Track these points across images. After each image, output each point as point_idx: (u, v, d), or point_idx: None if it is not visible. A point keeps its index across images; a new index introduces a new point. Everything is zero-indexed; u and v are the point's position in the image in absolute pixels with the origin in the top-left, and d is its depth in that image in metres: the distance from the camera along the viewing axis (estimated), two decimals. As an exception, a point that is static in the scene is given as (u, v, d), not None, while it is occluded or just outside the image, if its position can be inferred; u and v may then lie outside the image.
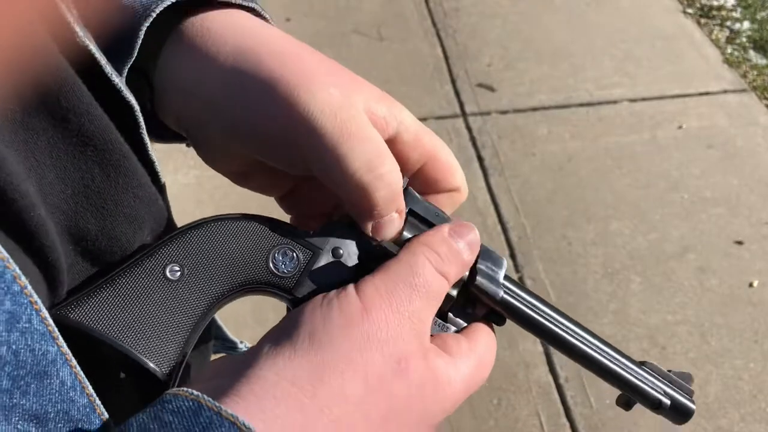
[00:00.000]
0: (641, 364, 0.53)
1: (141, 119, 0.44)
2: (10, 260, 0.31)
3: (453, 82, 2.93)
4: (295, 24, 3.24)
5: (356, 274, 0.47)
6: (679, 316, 2.14)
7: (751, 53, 3.20)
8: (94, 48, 0.40)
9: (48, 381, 0.33)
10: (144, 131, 0.45)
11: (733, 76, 3.01)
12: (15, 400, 0.32)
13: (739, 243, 2.34)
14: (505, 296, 0.49)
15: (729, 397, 1.96)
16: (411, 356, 0.41)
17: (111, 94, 0.42)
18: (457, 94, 2.88)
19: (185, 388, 0.36)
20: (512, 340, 2.01)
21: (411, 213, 0.49)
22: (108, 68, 0.41)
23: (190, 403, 0.35)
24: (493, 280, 0.49)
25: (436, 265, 0.44)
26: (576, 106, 2.84)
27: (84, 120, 0.39)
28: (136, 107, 0.43)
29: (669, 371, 0.54)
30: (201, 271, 0.43)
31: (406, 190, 0.48)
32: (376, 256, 0.46)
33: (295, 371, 0.38)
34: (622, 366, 0.51)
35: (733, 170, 2.59)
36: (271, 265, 0.45)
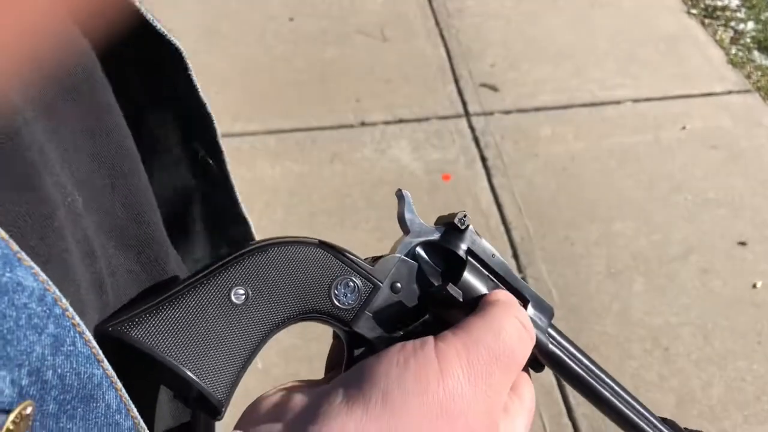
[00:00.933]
0: (663, 421, 0.54)
1: (189, 64, 0.44)
2: (50, 282, 0.31)
3: (456, 82, 2.93)
4: (299, 24, 3.24)
5: (415, 314, 0.46)
6: (682, 318, 2.13)
7: (756, 54, 3.19)
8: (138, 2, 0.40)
9: (94, 404, 0.33)
10: (192, 73, 0.45)
11: (738, 77, 3.00)
12: (62, 425, 0.31)
13: (743, 244, 2.33)
14: (551, 347, 0.49)
15: (732, 398, 1.95)
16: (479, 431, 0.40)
17: (154, 45, 0.42)
18: (460, 94, 2.87)
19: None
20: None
21: (469, 253, 0.48)
22: (149, 15, 0.41)
23: None
24: (542, 330, 0.49)
25: (521, 333, 0.43)
26: (579, 106, 2.83)
27: (111, 101, 0.39)
28: (183, 51, 0.43)
29: (685, 429, 0.55)
30: (266, 297, 0.42)
31: (466, 229, 0.48)
32: (436, 300, 0.46)
33: None
34: (646, 422, 0.52)
35: (736, 171, 2.58)
36: (332, 295, 0.44)
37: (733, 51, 3.17)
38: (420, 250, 0.48)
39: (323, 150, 2.63)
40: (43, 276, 0.30)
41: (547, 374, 1.98)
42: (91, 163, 0.39)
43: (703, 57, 3.10)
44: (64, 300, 0.31)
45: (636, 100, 2.87)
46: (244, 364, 0.41)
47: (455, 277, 0.46)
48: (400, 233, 0.49)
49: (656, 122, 2.77)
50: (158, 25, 0.42)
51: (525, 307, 0.49)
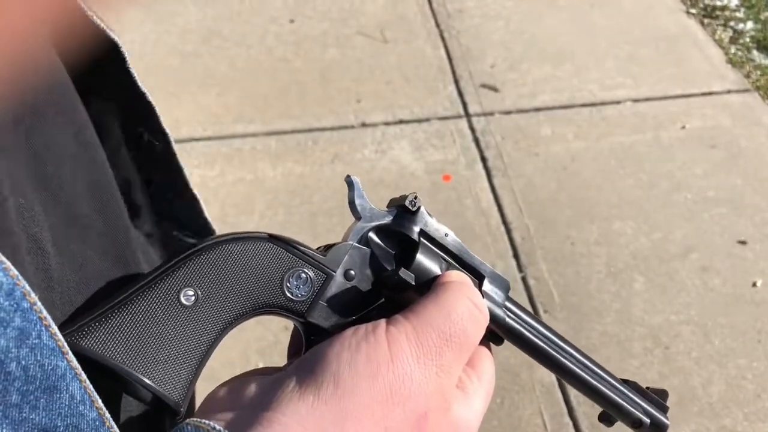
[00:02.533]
0: (624, 383, 0.55)
1: (127, 57, 0.45)
2: (20, 277, 0.32)
3: (456, 82, 2.94)
4: (300, 25, 3.25)
5: (370, 299, 0.46)
6: (682, 316, 2.14)
7: (755, 53, 3.20)
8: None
9: (58, 395, 0.33)
10: (130, 66, 0.45)
11: (737, 76, 3.01)
12: (24, 414, 0.32)
13: (743, 243, 2.34)
14: (508, 320, 0.50)
15: (732, 396, 1.96)
16: (431, 411, 0.40)
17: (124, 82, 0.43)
18: (460, 94, 2.88)
19: (207, 422, 0.36)
20: (516, 340, 2.01)
21: (422, 234, 0.48)
22: (90, 12, 0.42)
23: None
24: (499, 304, 0.50)
25: (472, 313, 0.43)
26: (579, 106, 2.84)
27: (80, 108, 0.40)
28: (122, 46, 0.44)
29: (648, 388, 0.57)
30: (216, 296, 0.42)
31: (417, 210, 0.48)
32: (389, 285, 0.46)
33: (317, 421, 0.37)
34: (608, 386, 0.53)
35: (736, 170, 2.59)
36: (285, 288, 0.44)
37: (733, 50, 3.18)
38: (373, 235, 0.48)
39: (324, 151, 2.64)
40: (14, 271, 0.31)
41: (548, 374, 1.98)
42: (68, 163, 0.40)
43: (703, 56, 3.11)
44: (33, 294, 0.32)
45: (636, 100, 2.87)
46: (200, 363, 0.41)
47: (408, 259, 0.46)
48: None
49: (656, 122, 2.78)
50: (99, 23, 0.43)
51: (481, 283, 0.49)
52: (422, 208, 0.48)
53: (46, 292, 0.38)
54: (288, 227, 2.32)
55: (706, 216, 2.43)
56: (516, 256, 2.28)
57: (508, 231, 2.35)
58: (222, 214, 2.37)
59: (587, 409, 1.92)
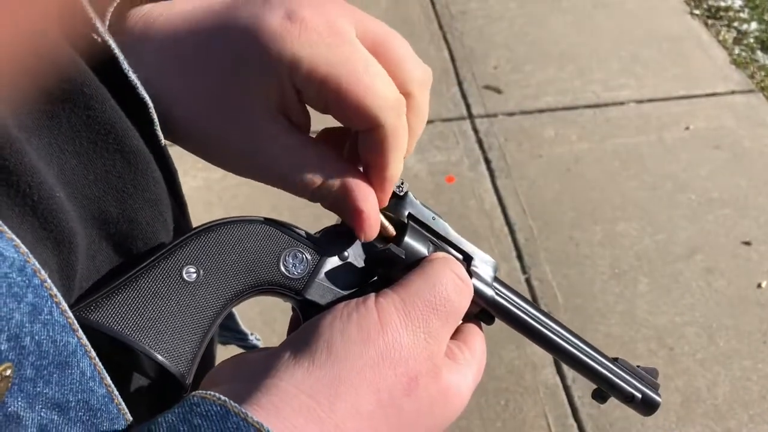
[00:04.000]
0: (614, 360, 0.57)
1: (155, 116, 0.45)
2: (30, 255, 0.32)
3: (460, 84, 2.94)
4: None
5: (363, 277, 0.48)
6: (687, 317, 2.14)
7: (759, 54, 3.19)
8: (113, 44, 0.42)
9: (69, 371, 0.34)
10: (158, 128, 0.45)
11: (741, 77, 3.00)
12: (38, 389, 0.33)
13: (747, 244, 2.34)
14: (497, 297, 0.52)
15: (737, 398, 1.95)
16: (421, 375, 0.42)
17: (124, 91, 0.43)
18: (464, 96, 2.88)
19: (212, 392, 0.37)
20: (519, 342, 2.01)
21: (410, 217, 0.51)
22: (125, 65, 0.42)
23: (218, 408, 0.36)
24: (488, 283, 0.52)
25: (456, 283, 0.46)
26: (583, 107, 2.84)
27: (106, 107, 0.40)
28: (150, 104, 0.44)
29: (638, 366, 0.58)
30: (216, 273, 0.44)
31: (405, 195, 0.50)
32: (381, 259, 0.48)
33: (312, 384, 0.39)
34: (599, 362, 0.55)
35: (740, 171, 2.59)
36: (282, 267, 0.46)
37: (737, 51, 3.18)
38: None
39: (328, 153, 2.64)
40: (23, 248, 0.32)
41: (552, 375, 1.99)
42: (82, 162, 0.40)
43: (707, 57, 3.10)
44: (43, 272, 0.33)
45: (639, 101, 2.87)
46: (203, 337, 0.43)
47: (398, 240, 0.49)
48: None
49: (660, 123, 2.77)
50: (133, 77, 0.43)
51: (469, 263, 0.51)
52: (410, 193, 0.51)
53: (67, 281, 0.39)
54: (292, 229, 2.33)
55: (710, 217, 2.42)
56: (520, 257, 2.28)
57: (512, 232, 2.35)
58: (226, 216, 2.37)
59: (592, 411, 1.92)
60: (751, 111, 2.84)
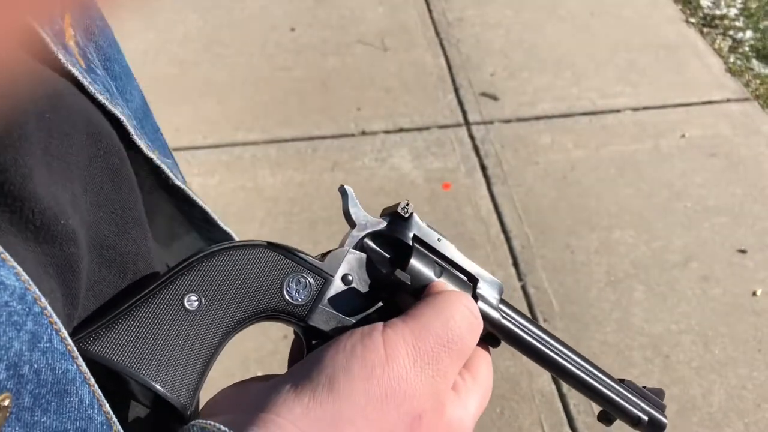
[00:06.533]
0: (621, 382, 0.55)
1: (130, 127, 0.45)
2: (31, 282, 0.32)
3: (456, 91, 2.95)
4: (300, 34, 3.26)
5: (368, 302, 0.47)
6: (682, 325, 2.13)
7: (754, 62, 3.20)
8: (77, 72, 0.41)
9: (67, 399, 0.34)
10: (135, 137, 0.45)
11: (736, 85, 3.01)
12: (36, 418, 0.32)
13: (743, 252, 2.34)
14: (503, 320, 0.51)
15: (733, 406, 1.95)
16: (425, 413, 0.41)
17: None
18: (460, 103, 2.89)
19: (211, 422, 0.36)
20: (515, 350, 2.01)
21: (416, 239, 0.49)
22: (92, 88, 0.42)
23: None
24: (494, 306, 0.51)
25: (469, 320, 0.44)
26: (579, 115, 2.84)
27: (93, 119, 0.40)
28: (123, 118, 0.44)
29: (644, 387, 0.57)
30: (219, 301, 0.43)
31: (410, 216, 0.49)
32: (386, 285, 0.47)
33: (311, 422, 0.38)
34: (606, 384, 0.54)
35: (736, 179, 2.59)
36: (285, 293, 0.45)
37: (732, 59, 3.19)
38: (368, 241, 0.49)
39: (324, 159, 2.64)
40: (24, 276, 0.32)
41: (548, 383, 1.98)
42: (82, 185, 0.40)
43: (702, 66, 3.11)
44: (43, 299, 0.32)
45: (635, 109, 2.88)
46: (205, 367, 0.42)
47: (403, 263, 0.47)
48: None
49: (656, 130, 2.78)
50: (100, 98, 0.43)
51: (475, 285, 0.50)
52: (414, 215, 0.49)
53: (71, 308, 0.39)
54: (288, 235, 2.32)
55: (706, 225, 2.43)
56: (516, 264, 2.28)
57: (508, 239, 2.35)
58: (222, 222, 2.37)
59: (587, 419, 1.92)
60: (747, 119, 2.85)
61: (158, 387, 0.40)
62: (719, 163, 2.65)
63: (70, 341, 0.34)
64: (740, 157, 2.68)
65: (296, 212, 2.43)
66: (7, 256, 0.31)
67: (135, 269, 0.44)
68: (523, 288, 2.21)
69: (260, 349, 2.00)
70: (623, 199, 2.50)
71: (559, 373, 0.53)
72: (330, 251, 0.48)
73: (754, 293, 2.22)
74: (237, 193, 2.49)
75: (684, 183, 2.57)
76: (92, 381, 0.35)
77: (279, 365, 1.93)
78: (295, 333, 0.49)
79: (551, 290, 2.21)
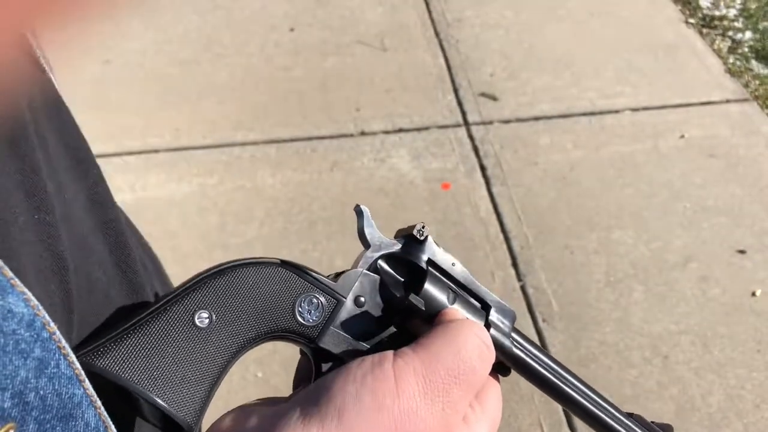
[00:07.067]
0: (629, 416, 0.55)
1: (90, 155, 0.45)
2: (40, 307, 0.32)
3: (456, 91, 2.95)
4: (299, 34, 3.26)
5: (380, 327, 0.46)
6: (681, 326, 2.14)
7: (754, 63, 3.20)
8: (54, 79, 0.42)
9: (73, 423, 0.34)
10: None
11: (736, 86, 3.01)
12: None
13: (742, 252, 2.34)
14: (515, 350, 0.50)
15: (732, 406, 1.95)
16: None
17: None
18: (459, 103, 2.89)
19: None
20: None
21: (430, 263, 0.48)
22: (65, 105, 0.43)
23: None
24: (506, 334, 0.50)
25: (481, 350, 0.43)
26: (578, 115, 2.85)
27: (74, 132, 0.41)
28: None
29: (653, 422, 0.56)
30: (229, 319, 0.42)
31: (425, 240, 0.48)
32: (399, 309, 0.46)
33: None
34: (615, 418, 0.53)
35: (735, 180, 2.59)
36: (297, 313, 0.44)
37: (731, 60, 3.19)
38: (382, 263, 0.48)
39: (323, 159, 2.64)
40: (34, 301, 0.31)
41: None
42: (70, 185, 0.40)
43: (702, 66, 3.12)
44: (52, 324, 0.32)
45: (635, 109, 2.88)
46: (212, 386, 0.41)
47: (417, 287, 0.46)
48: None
49: (655, 131, 2.78)
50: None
51: (488, 312, 0.49)
52: (429, 238, 0.48)
53: (67, 314, 0.38)
54: (287, 235, 2.32)
55: (705, 225, 2.43)
56: (515, 264, 2.28)
57: (507, 240, 2.35)
58: (221, 222, 2.37)
59: (586, 419, 1.92)
60: (746, 120, 2.85)
61: (164, 404, 0.39)
62: (718, 163, 2.66)
63: (77, 365, 0.34)
64: (739, 157, 2.68)
65: (295, 212, 2.43)
66: (17, 281, 0.31)
67: (117, 265, 0.44)
68: (523, 288, 2.21)
69: (260, 349, 1.99)
70: (622, 200, 2.50)
71: (567, 404, 0.52)
72: (343, 272, 0.47)
73: (754, 294, 2.22)
74: (236, 193, 2.49)
75: (683, 183, 2.57)
76: (99, 404, 0.35)
77: (279, 365, 1.93)
78: (302, 352, 0.49)
79: (550, 290, 2.21)
